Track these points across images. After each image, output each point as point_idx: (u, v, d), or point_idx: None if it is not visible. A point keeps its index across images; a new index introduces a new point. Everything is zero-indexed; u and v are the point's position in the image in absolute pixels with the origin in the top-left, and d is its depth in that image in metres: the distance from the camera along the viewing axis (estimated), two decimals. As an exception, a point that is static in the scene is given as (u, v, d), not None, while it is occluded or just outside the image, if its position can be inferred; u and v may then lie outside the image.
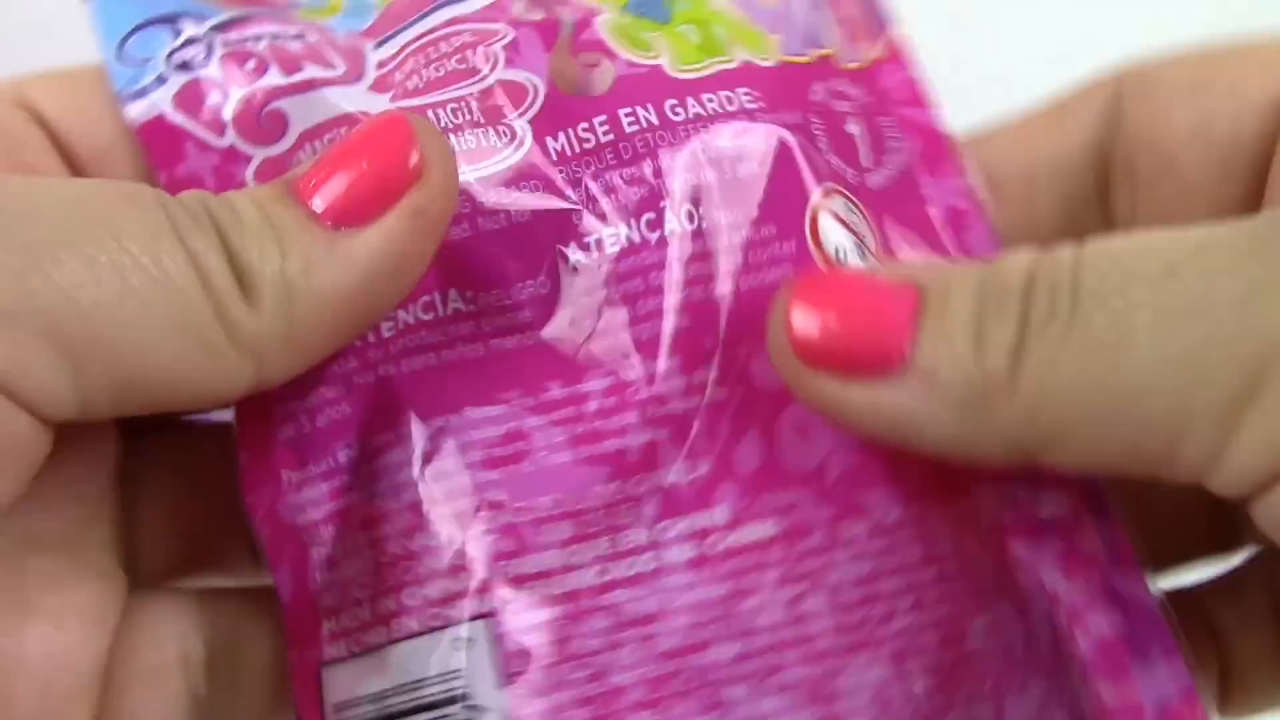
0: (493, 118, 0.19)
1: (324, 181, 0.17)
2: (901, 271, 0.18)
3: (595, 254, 0.18)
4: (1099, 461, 0.16)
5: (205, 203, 0.16)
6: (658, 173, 0.19)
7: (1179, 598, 0.20)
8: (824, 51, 0.21)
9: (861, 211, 0.20)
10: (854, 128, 0.20)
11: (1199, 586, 0.21)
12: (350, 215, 0.16)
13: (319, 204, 0.17)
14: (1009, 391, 0.16)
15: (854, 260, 0.19)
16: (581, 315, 0.19)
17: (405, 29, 0.20)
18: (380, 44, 0.20)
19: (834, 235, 0.19)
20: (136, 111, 0.19)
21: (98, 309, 0.14)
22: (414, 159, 0.17)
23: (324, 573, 0.19)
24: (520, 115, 0.19)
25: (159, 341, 0.15)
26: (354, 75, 0.19)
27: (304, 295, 0.16)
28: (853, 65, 0.21)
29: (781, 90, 0.19)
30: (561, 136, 0.19)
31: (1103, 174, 0.21)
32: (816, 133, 0.20)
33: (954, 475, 0.19)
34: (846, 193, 0.20)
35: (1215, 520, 0.21)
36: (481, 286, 0.19)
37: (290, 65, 0.19)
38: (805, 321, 0.17)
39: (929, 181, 0.21)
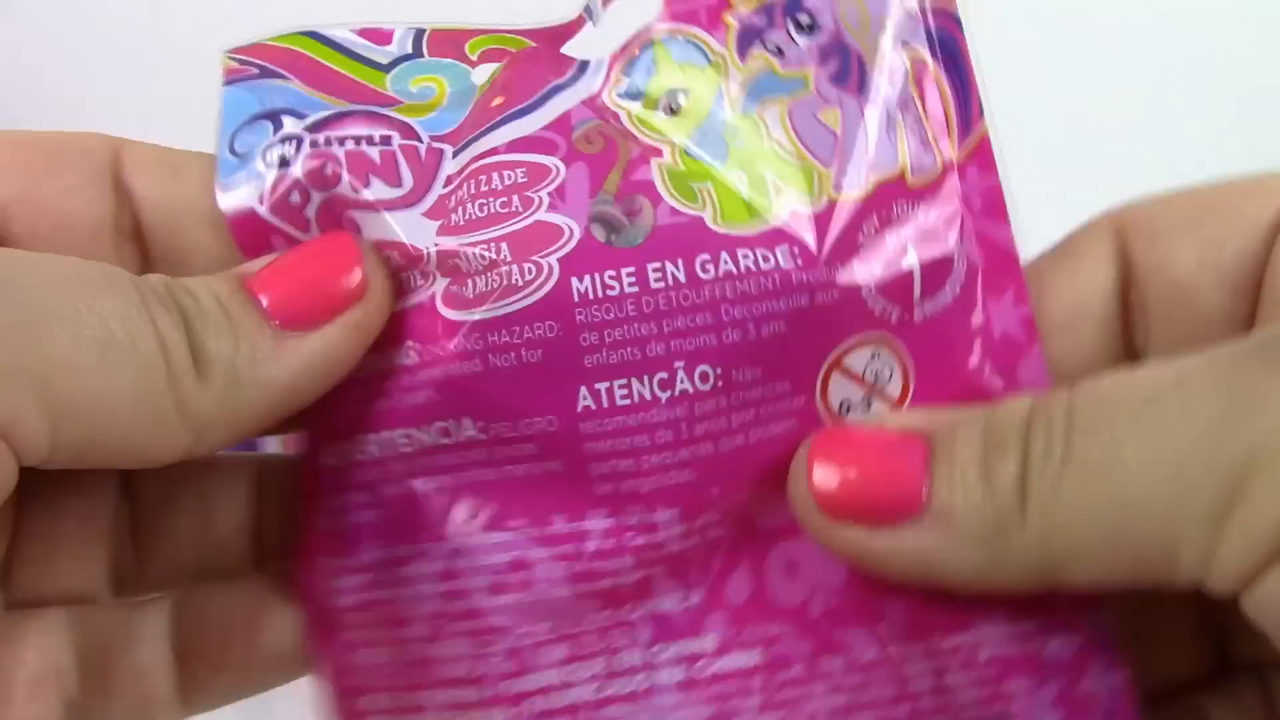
0: (522, 255, 0.19)
1: (275, 284, 0.19)
2: (909, 422, 0.19)
3: (605, 403, 0.19)
4: (1110, 576, 0.17)
5: (170, 288, 0.18)
6: (675, 333, 0.19)
7: (1177, 696, 0.22)
8: (889, 175, 0.20)
9: (891, 354, 0.20)
10: (910, 260, 0.20)
11: (1195, 686, 0.22)
12: (296, 320, 0.19)
13: (267, 303, 0.19)
14: (1020, 522, 0.17)
15: (858, 414, 0.20)
16: (588, 458, 0.19)
17: (477, 139, 0.20)
18: (458, 151, 0.20)
19: (841, 391, 0.20)
20: (229, 203, 0.20)
21: (81, 377, 0.17)
22: (357, 278, 0.19)
23: (349, 655, 0.21)
24: (551, 255, 0.19)
25: (123, 408, 0.17)
26: (418, 194, 0.20)
27: (248, 383, 0.18)
28: (923, 180, 0.20)
29: (820, 244, 0.19)
30: (588, 279, 0.19)
31: (1124, 314, 0.21)
32: (860, 279, 0.19)
33: (960, 611, 0.20)
34: (876, 339, 0.20)
35: (1205, 647, 0.22)
36: (493, 418, 0.19)
37: (361, 179, 0.20)
38: (826, 478, 0.19)
39: (989, 304, 0.21)
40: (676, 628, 0.20)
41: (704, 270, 0.19)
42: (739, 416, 0.19)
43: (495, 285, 0.19)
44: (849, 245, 0.19)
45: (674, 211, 0.19)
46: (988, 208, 0.21)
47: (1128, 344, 0.21)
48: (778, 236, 0.19)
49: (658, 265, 0.19)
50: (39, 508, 0.20)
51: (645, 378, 0.19)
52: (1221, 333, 0.20)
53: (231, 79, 0.21)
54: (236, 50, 0.21)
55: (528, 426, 0.19)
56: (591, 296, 0.19)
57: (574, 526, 0.20)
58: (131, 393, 0.17)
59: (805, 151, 0.20)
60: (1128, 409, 0.17)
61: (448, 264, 0.19)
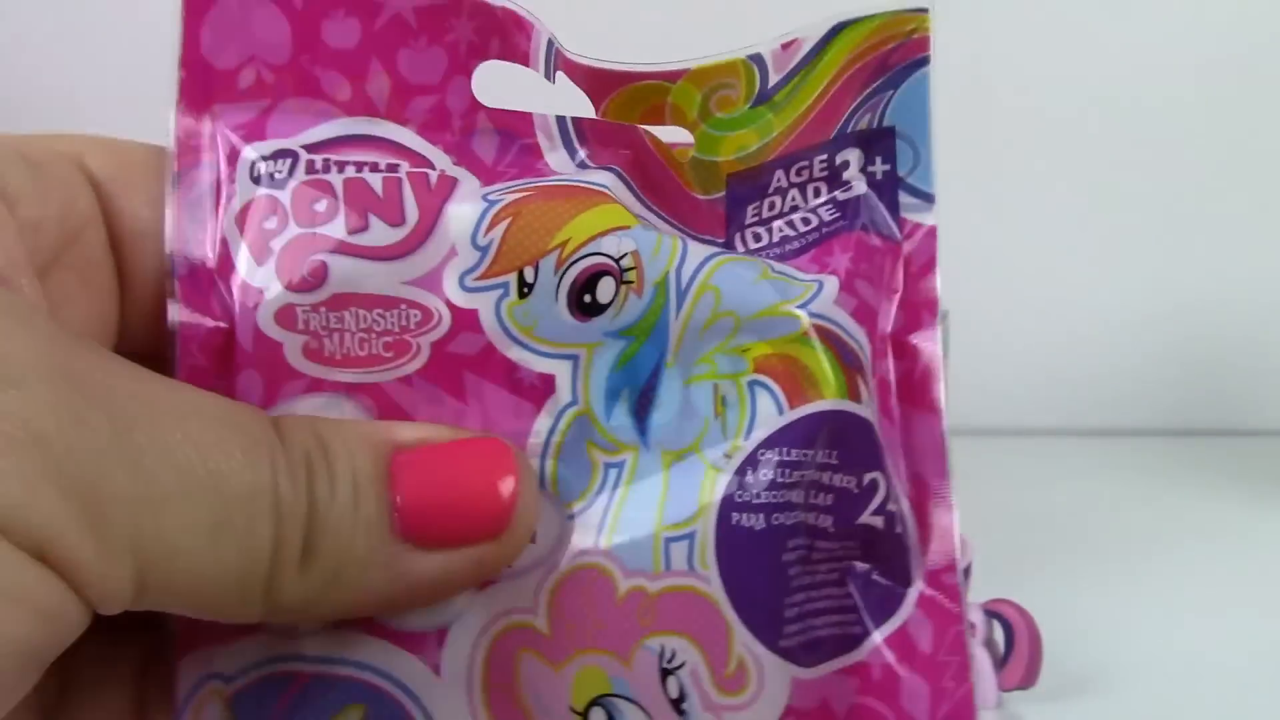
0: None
1: (416, 483, 0.17)
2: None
3: None
4: None
5: (310, 462, 0.16)
6: None
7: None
8: None
9: None
10: None
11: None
12: (422, 536, 0.17)
13: (400, 500, 0.17)
14: None
15: None
16: None
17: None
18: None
19: None
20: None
21: (185, 558, 0.15)
22: (504, 508, 0.17)
23: None
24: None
25: (215, 584, 0.16)
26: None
27: (347, 585, 0.17)
28: None
29: None
30: None
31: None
32: None
33: None
34: None
35: None
36: None
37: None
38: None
39: None
40: None
41: None
42: None
43: None
44: None
45: None
46: None
47: None
48: None
49: None
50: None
51: None
52: None
53: None
54: None
55: None
56: None
57: None
58: (234, 577, 0.16)
59: None
60: None
61: None
